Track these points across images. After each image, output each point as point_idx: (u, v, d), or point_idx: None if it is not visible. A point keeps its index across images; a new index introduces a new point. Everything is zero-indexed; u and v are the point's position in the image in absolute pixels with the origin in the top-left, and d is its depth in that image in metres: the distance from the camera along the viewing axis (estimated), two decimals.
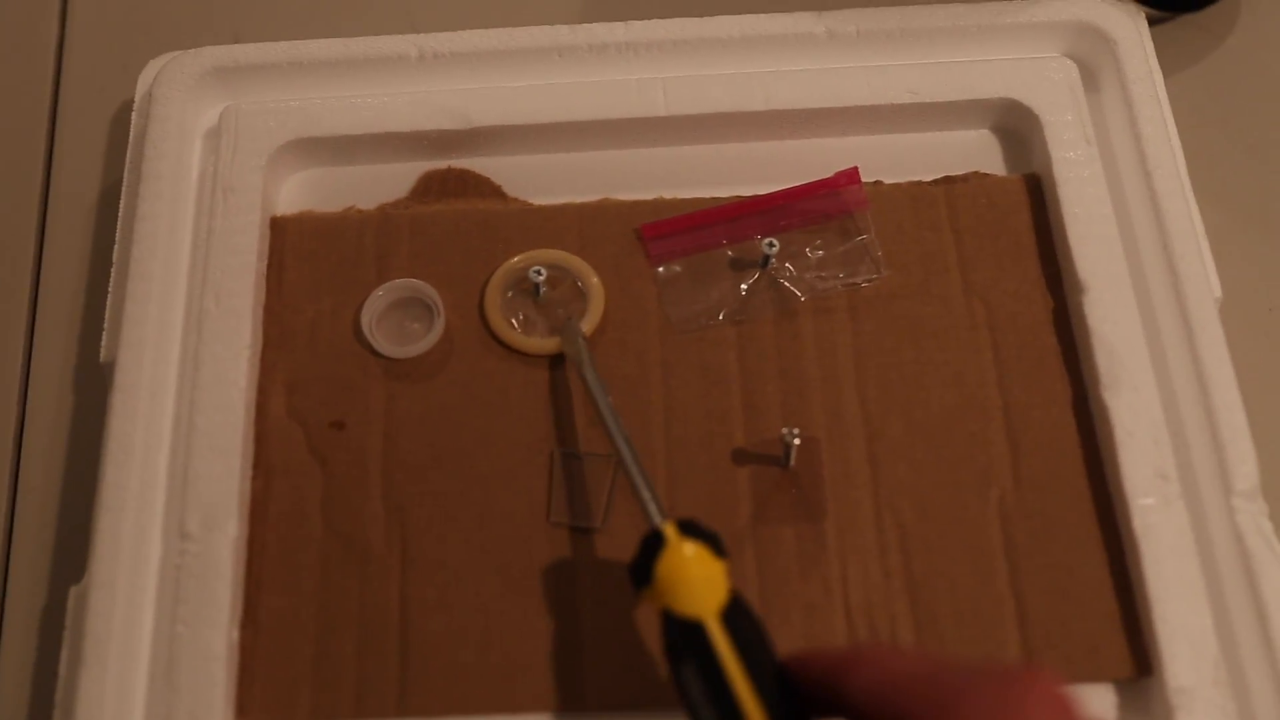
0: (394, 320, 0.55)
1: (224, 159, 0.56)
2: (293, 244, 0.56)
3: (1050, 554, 0.50)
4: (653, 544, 0.44)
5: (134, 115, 0.59)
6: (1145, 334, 0.52)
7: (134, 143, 0.58)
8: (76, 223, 0.61)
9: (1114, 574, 0.49)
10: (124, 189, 0.57)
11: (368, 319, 0.54)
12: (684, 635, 0.42)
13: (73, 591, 0.50)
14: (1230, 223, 0.59)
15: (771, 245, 0.54)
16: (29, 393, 0.58)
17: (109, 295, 0.55)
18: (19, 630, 0.53)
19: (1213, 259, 0.55)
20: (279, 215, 0.57)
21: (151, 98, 0.58)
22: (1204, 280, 0.53)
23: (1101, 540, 0.50)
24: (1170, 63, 0.61)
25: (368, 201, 0.57)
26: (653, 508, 0.46)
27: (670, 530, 0.44)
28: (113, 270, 0.56)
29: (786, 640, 0.49)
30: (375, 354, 0.54)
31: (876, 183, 0.57)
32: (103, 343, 0.54)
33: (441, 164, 0.58)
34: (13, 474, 0.56)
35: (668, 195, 0.57)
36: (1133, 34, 0.58)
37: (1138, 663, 0.48)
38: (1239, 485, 0.49)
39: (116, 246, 0.56)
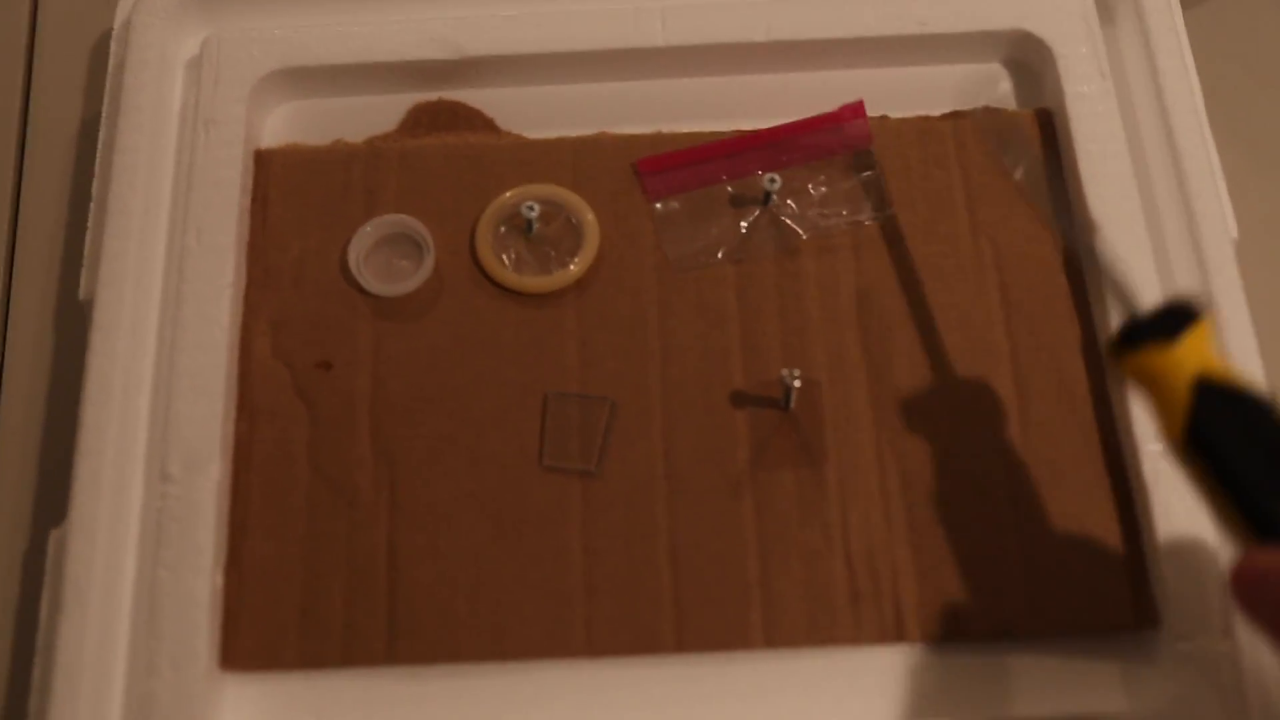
0: (382, 257, 0.53)
1: (205, 90, 0.54)
2: (278, 178, 0.54)
3: (1057, 500, 0.49)
4: (1183, 311, 0.41)
5: (113, 44, 0.57)
6: (1159, 274, 0.51)
7: (113, 73, 0.56)
8: (56, 156, 0.59)
9: (1122, 521, 0.48)
10: (103, 121, 0.55)
11: (355, 256, 0.52)
12: (1240, 404, 0.39)
13: (53, 535, 0.49)
14: (1247, 161, 0.57)
15: (773, 181, 0.52)
16: (8, 330, 0.56)
17: (88, 231, 0.53)
18: (2, 572, 0.52)
19: (1229, 199, 0.53)
20: (263, 148, 0.55)
21: (130, 26, 0.56)
22: (1220, 220, 0.51)
23: (1110, 487, 0.49)
24: None
25: (356, 134, 0.55)
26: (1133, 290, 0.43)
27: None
28: (91, 205, 0.54)
29: (786, 587, 0.47)
30: (363, 292, 0.52)
31: (882, 117, 0.55)
32: (82, 280, 0.53)
33: (432, 96, 0.56)
34: None
35: (666, 129, 0.55)
36: None
37: (1144, 613, 0.47)
38: None
39: (95, 180, 0.54)
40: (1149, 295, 0.50)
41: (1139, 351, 0.41)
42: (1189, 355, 0.40)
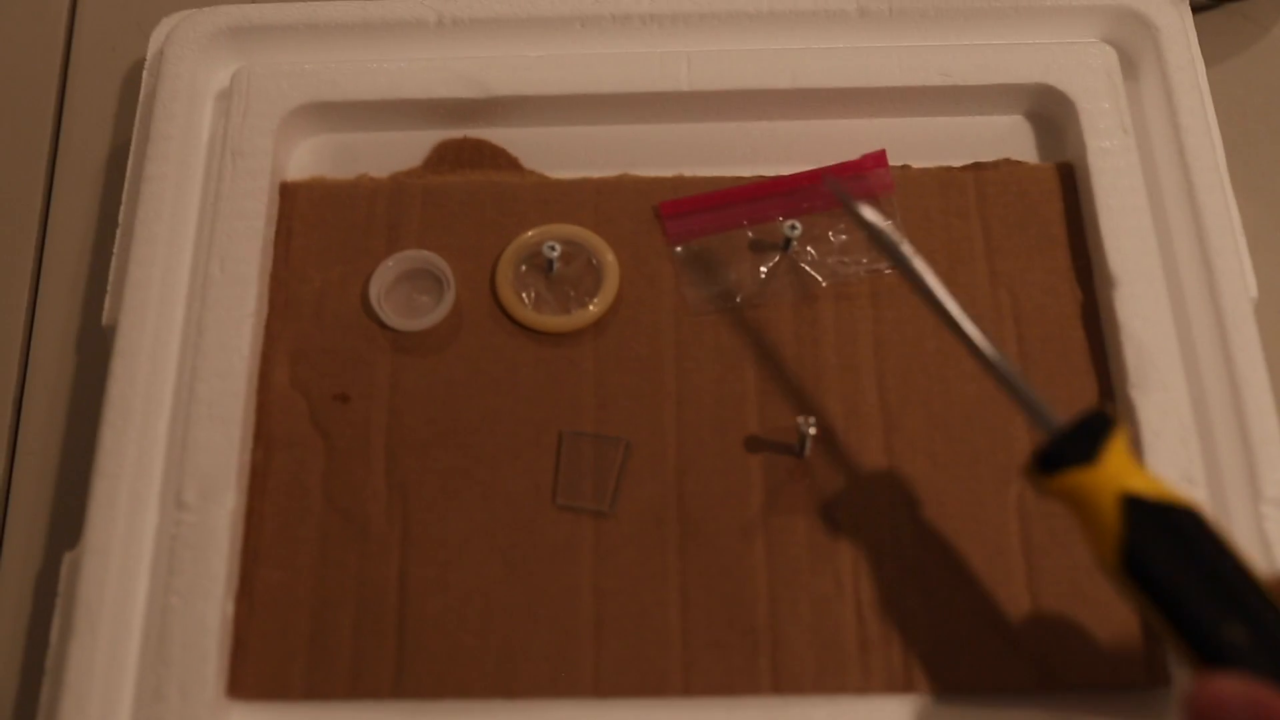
0: (403, 292, 0.54)
1: (234, 121, 0.55)
2: (302, 211, 0.55)
3: (1069, 556, 0.48)
4: (1098, 423, 0.40)
5: (144, 74, 0.58)
6: (1177, 332, 0.51)
7: (143, 102, 0.57)
8: (84, 183, 0.60)
9: None
10: (132, 149, 0.56)
11: (376, 290, 0.53)
12: (1172, 522, 0.39)
13: (66, 558, 0.49)
14: (1269, 220, 0.58)
15: (794, 228, 0.52)
16: (30, 354, 0.57)
17: (113, 257, 0.54)
18: (12, 595, 0.53)
19: (1249, 257, 0.53)
20: (289, 181, 0.56)
21: (163, 57, 0.57)
22: (1240, 278, 0.51)
23: None
24: (1212, 53, 0.59)
25: (381, 170, 0.56)
26: (1042, 405, 0.42)
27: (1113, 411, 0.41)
28: (118, 232, 0.54)
29: (795, 634, 0.47)
30: (383, 326, 0.53)
31: (904, 167, 0.55)
32: (105, 305, 0.53)
33: (457, 133, 0.57)
34: (11, 436, 0.56)
35: (688, 173, 0.55)
36: (1175, 21, 0.56)
37: (1152, 671, 0.47)
38: (1268, 492, 0.48)
39: (123, 207, 0.55)
40: (1168, 353, 0.50)
41: (1059, 474, 0.40)
42: (1112, 472, 0.40)
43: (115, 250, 0.54)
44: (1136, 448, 0.49)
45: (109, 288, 0.53)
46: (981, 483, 0.50)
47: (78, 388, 0.56)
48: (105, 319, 0.53)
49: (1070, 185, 0.55)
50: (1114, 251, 0.52)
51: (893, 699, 0.47)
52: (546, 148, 0.57)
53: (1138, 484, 0.40)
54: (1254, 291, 0.52)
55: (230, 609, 0.48)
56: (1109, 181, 0.53)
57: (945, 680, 0.47)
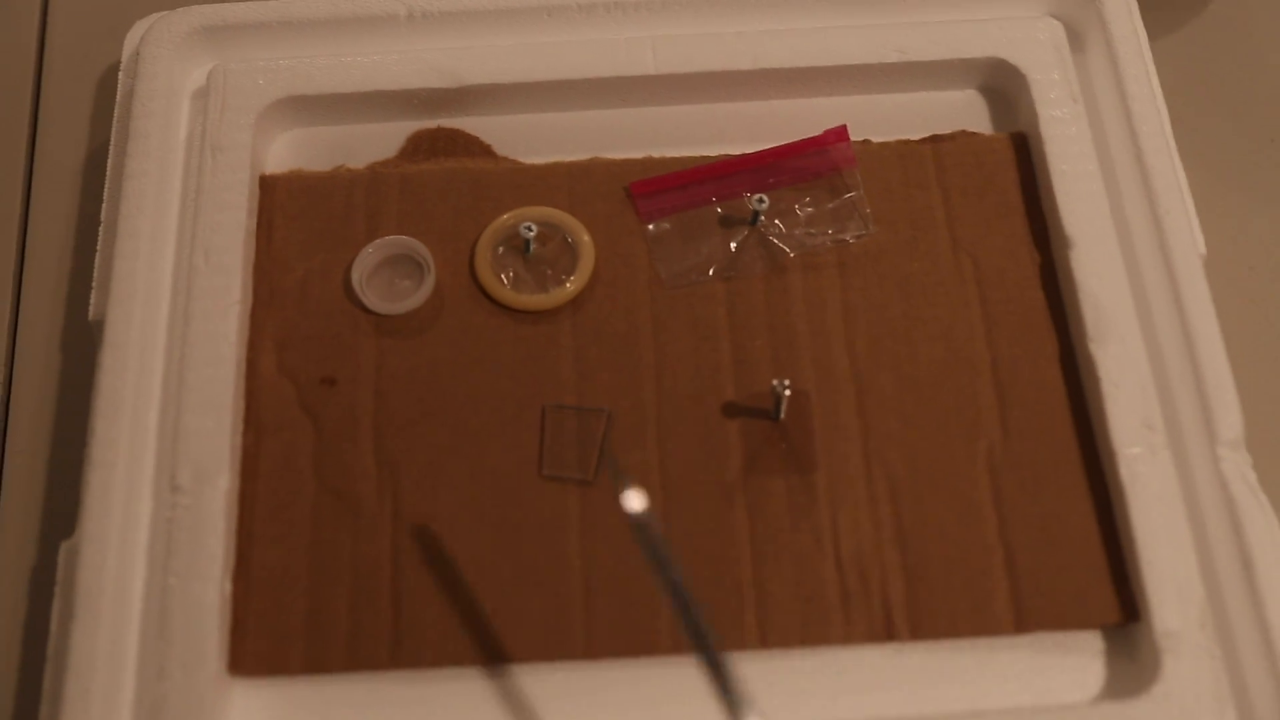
0: (384, 277, 0.55)
1: (212, 118, 0.56)
2: (282, 202, 0.56)
3: (1038, 503, 0.50)
4: None
5: (121, 76, 0.59)
6: (1131, 288, 0.53)
7: (121, 103, 0.58)
8: (62, 186, 0.61)
9: (1101, 522, 0.50)
10: (111, 148, 0.57)
11: (358, 276, 0.54)
12: None
13: (64, 547, 0.50)
14: (1213, 184, 0.60)
15: (761, 202, 0.54)
16: (16, 350, 0.58)
17: (98, 253, 0.55)
18: (10, 587, 0.53)
19: (1197, 216, 0.55)
20: (268, 174, 0.57)
21: (139, 58, 0.58)
22: (1189, 235, 0.54)
23: (1089, 490, 0.50)
24: (1155, 26, 0.61)
25: (357, 161, 0.57)
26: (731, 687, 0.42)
27: None
28: (100, 229, 0.55)
29: (779, 590, 0.49)
30: (366, 310, 0.54)
31: (865, 141, 0.57)
32: (91, 300, 0.54)
33: (431, 123, 0.58)
34: (0, 433, 0.56)
35: (657, 154, 0.57)
36: None
37: (1125, 609, 0.49)
38: (1224, 435, 0.50)
39: (105, 205, 0.56)
40: (1124, 308, 0.52)
41: None
42: None
43: (99, 247, 0.55)
44: (1096, 398, 0.51)
45: (95, 283, 0.54)
46: (951, 438, 0.51)
47: (64, 383, 0.57)
48: (92, 314, 0.54)
49: (1024, 154, 0.57)
50: (1068, 215, 0.54)
51: (875, 648, 0.49)
52: (519, 134, 0.58)
53: None
54: (1203, 248, 0.54)
55: (228, 588, 0.49)
56: (1061, 149, 0.55)
57: (925, 627, 0.49)
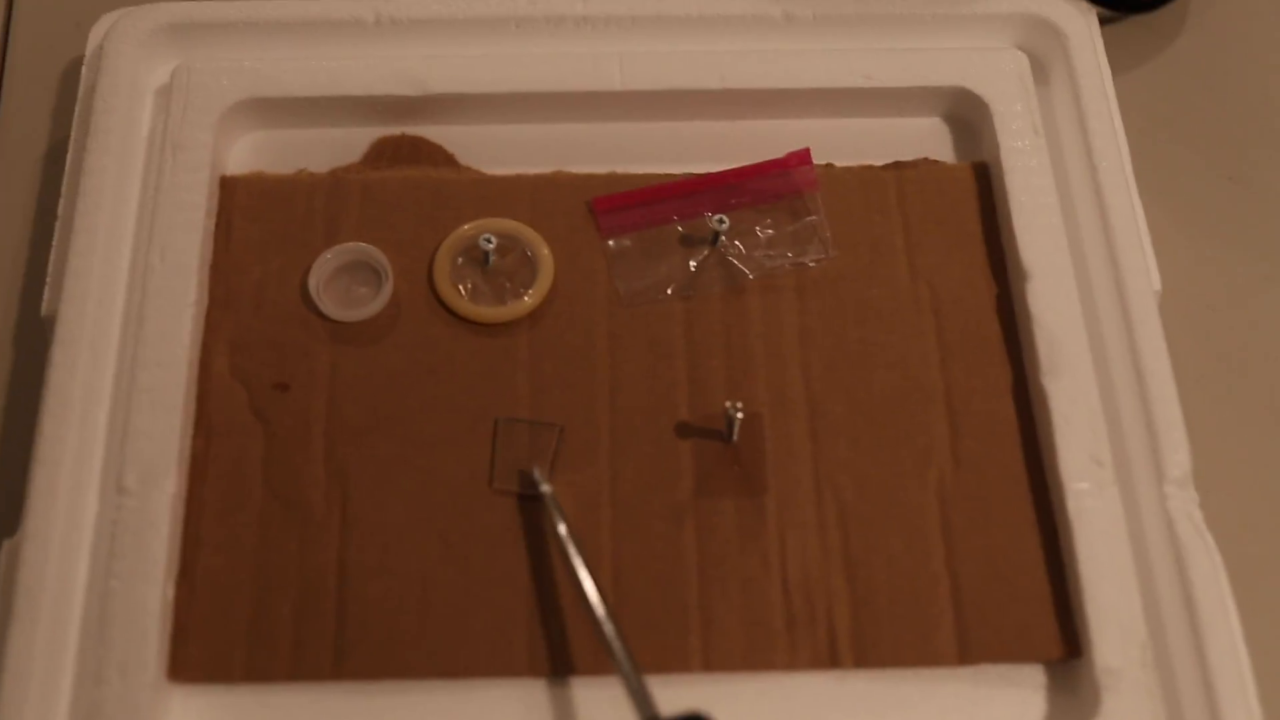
0: (341, 284, 0.55)
1: (174, 117, 0.56)
2: (242, 204, 0.56)
3: (986, 535, 0.50)
4: None
5: (84, 70, 0.58)
6: (1085, 322, 0.53)
7: (83, 98, 0.58)
8: (21, 178, 0.60)
9: (1047, 556, 0.50)
10: (71, 143, 0.57)
11: (315, 281, 0.54)
12: None
13: (5, 545, 0.49)
14: (1172, 220, 0.60)
15: (722, 222, 0.54)
16: None
17: (53, 249, 0.54)
18: None
19: (1154, 254, 0.55)
20: (229, 175, 0.56)
21: (102, 53, 0.57)
22: (1144, 273, 0.54)
23: (1036, 523, 0.51)
24: (1119, 62, 0.61)
25: (320, 166, 0.57)
26: (647, 701, 0.45)
27: None
28: (57, 224, 0.55)
29: (725, 613, 0.49)
30: (321, 317, 0.54)
31: (828, 165, 0.57)
32: (44, 296, 0.54)
33: (395, 130, 0.58)
34: None
35: (621, 170, 0.57)
36: (1083, 30, 0.59)
37: (1068, 644, 0.49)
38: (1171, 473, 0.50)
39: (62, 200, 0.55)
40: (1077, 342, 0.52)
41: None
42: None
43: (55, 242, 0.54)
44: (1047, 432, 0.51)
45: (49, 278, 0.54)
46: (902, 466, 0.52)
47: (15, 378, 0.56)
48: (45, 309, 0.53)
49: (985, 184, 0.57)
50: (1026, 246, 0.54)
51: (819, 675, 0.49)
52: (483, 145, 0.58)
53: None
54: (1157, 285, 0.55)
55: (171, 593, 0.49)
56: (1021, 180, 0.56)
57: (869, 656, 0.49)
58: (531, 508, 0.51)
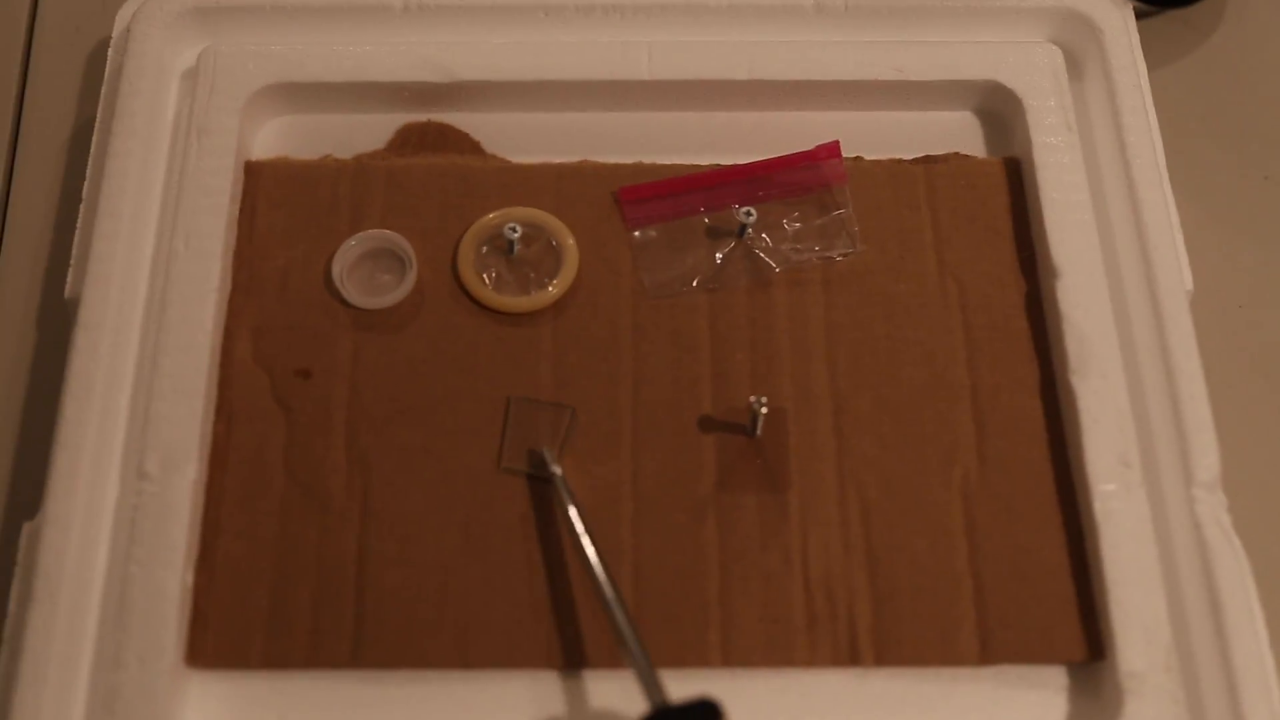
0: (365, 271, 0.55)
1: (200, 100, 0.56)
2: (266, 189, 0.56)
3: (1010, 535, 0.50)
4: (707, 713, 0.43)
5: (110, 53, 0.58)
6: (1116, 322, 0.53)
7: (109, 80, 0.57)
8: (48, 159, 0.61)
9: (1072, 557, 0.50)
10: (97, 125, 0.56)
11: (339, 268, 0.54)
12: None
13: (26, 527, 0.49)
14: (1205, 218, 0.60)
15: (749, 215, 0.54)
16: None
17: (77, 231, 0.54)
18: None
19: (1186, 253, 0.55)
20: (254, 160, 0.56)
21: (129, 35, 0.57)
22: (1176, 272, 0.53)
23: (1062, 523, 0.50)
24: (1155, 57, 0.61)
25: (345, 151, 0.57)
26: (655, 686, 0.45)
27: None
28: (81, 207, 0.55)
29: (745, 609, 0.49)
30: (345, 304, 0.53)
31: (857, 158, 0.57)
32: (68, 279, 0.54)
33: (421, 117, 0.58)
34: None
35: (647, 160, 0.57)
36: (1119, 24, 0.58)
37: (1091, 646, 0.48)
38: (1200, 476, 0.50)
39: (87, 183, 0.55)
40: (1107, 342, 0.52)
41: None
42: None
43: (79, 225, 0.54)
44: (1074, 432, 0.51)
45: (72, 261, 0.54)
46: (927, 464, 0.51)
47: (38, 360, 0.56)
48: (68, 292, 0.53)
49: (1016, 179, 0.56)
50: (1057, 244, 0.54)
51: (838, 672, 0.48)
52: (509, 133, 0.58)
53: None
54: (1190, 285, 0.54)
55: (190, 579, 0.49)
56: (1053, 177, 0.55)
57: (890, 655, 0.48)
58: (551, 497, 0.50)
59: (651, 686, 0.45)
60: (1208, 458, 0.50)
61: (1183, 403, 0.51)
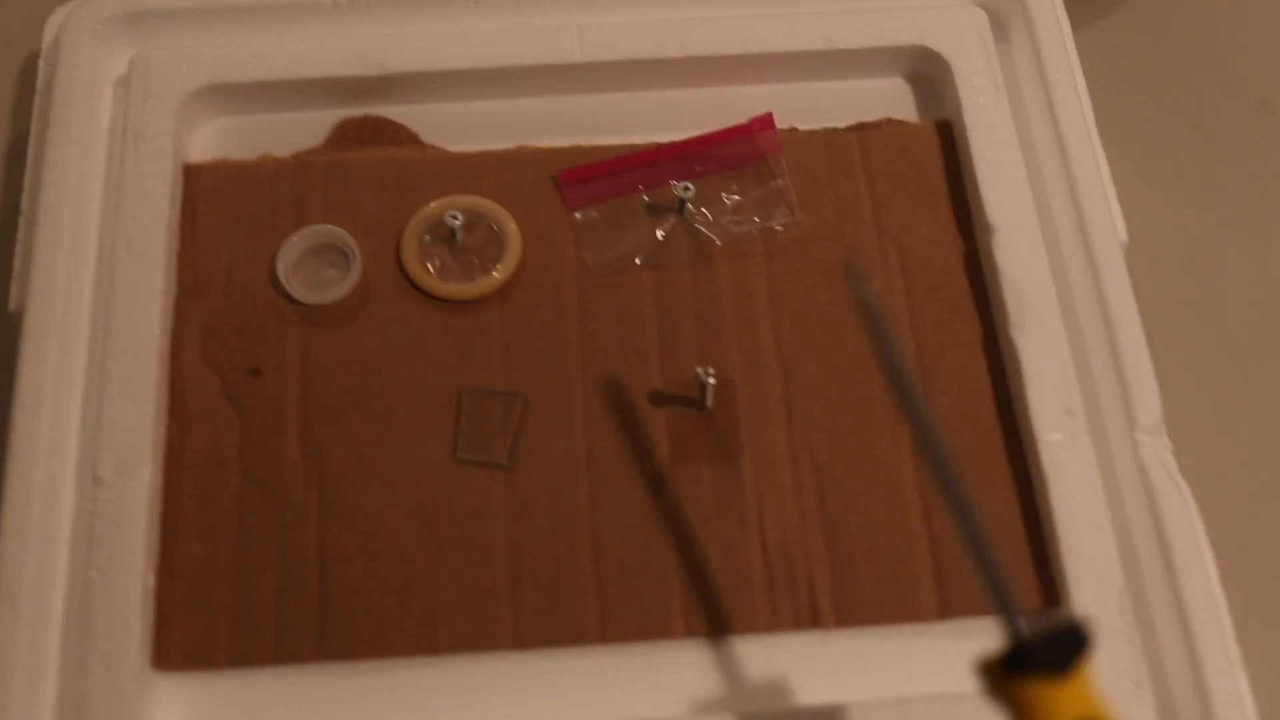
0: (310, 267, 0.55)
1: (134, 106, 0.55)
2: (206, 191, 0.56)
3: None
4: (1074, 636, 0.37)
5: (41, 63, 0.58)
6: (1053, 275, 0.53)
7: (41, 91, 0.57)
8: None
9: (1023, 509, 0.51)
10: (32, 137, 0.56)
11: (283, 265, 0.54)
12: None
13: None
14: (1137, 171, 0.61)
15: (687, 189, 0.54)
16: None
17: (18, 244, 0.54)
18: None
19: (1119, 204, 0.56)
20: (192, 162, 0.56)
21: (59, 45, 0.57)
22: (1109, 224, 0.54)
23: (1011, 476, 0.51)
24: (1079, 15, 0.62)
25: (283, 150, 0.57)
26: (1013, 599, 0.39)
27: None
28: (21, 219, 0.55)
29: (705, 577, 0.49)
30: (291, 300, 0.53)
31: (791, 129, 0.57)
32: (12, 292, 0.53)
33: (358, 112, 0.58)
34: None
35: (585, 143, 0.57)
36: None
37: (1046, 594, 0.49)
38: (1143, 420, 0.51)
39: (25, 194, 0.55)
40: (1045, 295, 0.53)
41: (1026, 681, 0.37)
42: (1077, 693, 0.37)
43: (20, 237, 0.54)
44: (1018, 385, 0.52)
45: (15, 275, 0.54)
46: (876, 425, 0.52)
47: None
48: (13, 305, 0.53)
49: (949, 141, 0.57)
50: (991, 202, 0.54)
51: (801, 635, 0.49)
52: (446, 123, 0.58)
53: (1096, 709, 0.37)
54: (1123, 236, 0.55)
55: (151, 581, 0.49)
56: (984, 136, 0.56)
57: (850, 615, 0.49)
58: (505, 480, 0.51)
59: (1006, 605, 0.39)
60: (1149, 402, 0.51)
61: (1122, 350, 0.52)
